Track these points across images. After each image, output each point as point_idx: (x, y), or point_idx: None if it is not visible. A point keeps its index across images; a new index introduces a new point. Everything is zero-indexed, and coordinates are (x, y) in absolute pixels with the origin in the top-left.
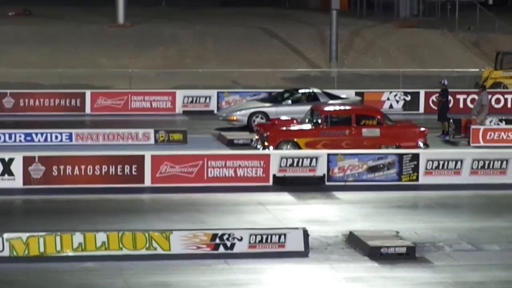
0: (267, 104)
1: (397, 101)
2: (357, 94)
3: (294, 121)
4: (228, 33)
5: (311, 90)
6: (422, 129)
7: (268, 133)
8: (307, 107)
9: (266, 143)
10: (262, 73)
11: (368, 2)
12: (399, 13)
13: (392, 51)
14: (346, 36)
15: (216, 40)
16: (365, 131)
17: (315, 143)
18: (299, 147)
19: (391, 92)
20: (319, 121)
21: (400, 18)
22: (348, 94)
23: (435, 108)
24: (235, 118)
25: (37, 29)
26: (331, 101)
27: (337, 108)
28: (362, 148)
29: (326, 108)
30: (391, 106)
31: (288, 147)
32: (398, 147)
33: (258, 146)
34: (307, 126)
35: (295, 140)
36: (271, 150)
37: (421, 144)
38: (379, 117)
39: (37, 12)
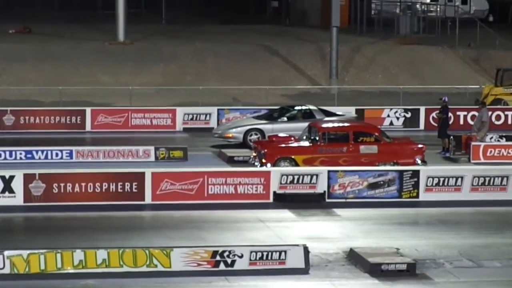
0: (263, 121)
1: (398, 118)
2: (357, 111)
3: (292, 138)
4: (228, 50)
5: (306, 107)
6: (420, 146)
7: (265, 150)
8: (303, 124)
9: (263, 160)
10: (263, 90)
11: (368, 19)
12: (399, 30)
13: (393, 68)
14: (347, 53)
15: (216, 57)
16: (362, 148)
17: (313, 160)
18: (296, 164)
19: (391, 109)
20: (317, 138)
21: (401, 35)
22: (349, 111)
23: (436, 125)
24: (230, 135)
25: (38, 46)
26: (326, 118)
27: (335, 125)
28: (359, 165)
29: (324, 125)
30: (391, 123)
31: (286, 164)
32: (396, 164)
33: (256, 163)
34: (305, 143)
35: (293, 157)
36: (271, 167)
37: (419, 161)
38: (376, 134)
39: (37, 30)
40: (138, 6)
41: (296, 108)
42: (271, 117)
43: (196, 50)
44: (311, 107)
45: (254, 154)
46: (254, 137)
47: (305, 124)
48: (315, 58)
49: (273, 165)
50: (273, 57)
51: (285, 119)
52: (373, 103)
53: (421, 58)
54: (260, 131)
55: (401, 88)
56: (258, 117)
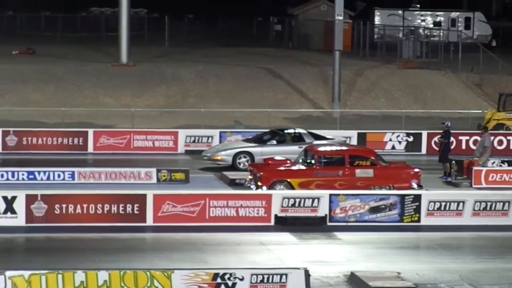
0: (252, 144)
1: (400, 142)
2: (359, 134)
3: (288, 161)
4: (231, 73)
5: (296, 130)
6: (416, 170)
7: (261, 173)
8: (292, 148)
9: (259, 183)
10: (265, 113)
11: (371, 43)
12: (402, 54)
13: (395, 92)
14: (349, 77)
15: (219, 79)
16: (358, 172)
17: (309, 184)
18: (292, 188)
19: (393, 133)
20: (313, 161)
21: (403, 59)
22: (351, 134)
23: (437, 149)
24: (220, 158)
25: (41, 68)
26: (316, 142)
27: (331, 148)
28: (355, 189)
29: (320, 149)
30: (393, 147)
31: (282, 187)
32: (392, 188)
33: (252, 186)
34: (301, 167)
35: (289, 180)
36: (273, 190)
37: (414, 185)
38: (372, 158)
39: (40, 51)
40: (141, 29)
41: (286, 131)
42: (260, 140)
43: (198, 73)
44: (301, 130)
45: (250, 177)
46: (243, 160)
47: (294, 148)
48: (317, 82)
49: (269, 188)
50: (275, 80)
51: (274, 142)
52: (375, 127)
53: (423, 83)
54: (249, 154)
55: (403, 112)
56: (247, 140)
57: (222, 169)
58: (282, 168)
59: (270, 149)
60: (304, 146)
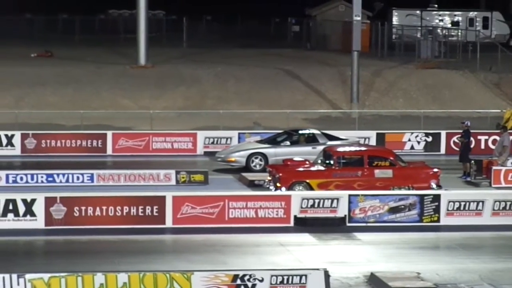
0: (266, 145)
1: (418, 142)
2: (378, 135)
3: (307, 162)
4: (249, 74)
5: (310, 131)
6: (435, 170)
7: (280, 174)
8: (306, 148)
9: (278, 184)
10: (283, 114)
11: (389, 43)
12: (420, 54)
13: (413, 92)
14: (367, 77)
15: (237, 81)
16: (377, 172)
17: (328, 184)
18: (311, 188)
19: (412, 133)
20: (332, 162)
21: (422, 59)
22: (369, 135)
23: (457, 149)
24: (233, 159)
25: (59, 70)
26: (329, 142)
27: (350, 149)
28: (374, 189)
29: (339, 149)
30: (412, 147)
31: (301, 188)
32: (411, 188)
33: (271, 187)
34: (320, 167)
35: (308, 181)
36: (292, 191)
37: (434, 185)
38: (391, 158)
39: (58, 54)
40: (159, 31)
41: (300, 132)
42: (274, 141)
43: (217, 74)
44: (314, 131)
45: (269, 178)
46: (257, 161)
47: (308, 148)
48: (336, 82)
49: (288, 189)
50: (294, 81)
51: (288, 143)
52: (394, 127)
53: (442, 82)
54: (263, 155)
55: (422, 112)
56: (261, 141)
57: (240, 171)
58: (301, 169)
59: (284, 150)
60: (317, 147)
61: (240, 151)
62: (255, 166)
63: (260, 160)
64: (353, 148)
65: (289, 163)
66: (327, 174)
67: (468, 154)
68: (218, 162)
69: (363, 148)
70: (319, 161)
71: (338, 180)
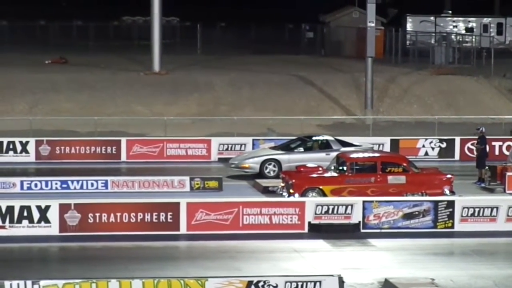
0: (279, 152)
1: (433, 148)
2: (392, 141)
3: (320, 169)
4: (263, 80)
5: (323, 138)
6: (448, 176)
7: (293, 181)
8: (319, 155)
9: (291, 191)
10: (297, 120)
11: (403, 49)
12: (434, 60)
13: (428, 98)
14: (382, 83)
15: (251, 87)
16: (390, 179)
17: (341, 191)
18: (324, 195)
19: (426, 139)
20: (345, 168)
21: (436, 65)
22: (384, 141)
23: (471, 155)
24: (247, 165)
25: (73, 77)
26: (343, 148)
27: (363, 155)
28: (387, 196)
29: (352, 156)
30: (426, 153)
31: (314, 194)
32: (424, 194)
33: (284, 194)
34: (333, 174)
35: (321, 187)
36: (306, 198)
37: (447, 192)
38: (404, 164)
39: (73, 60)
40: (173, 37)
41: (313, 138)
42: (287, 147)
43: (231, 80)
44: (328, 137)
45: (282, 184)
46: (270, 167)
47: (321, 155)
48: (350, 89)
49: (301, 195)
50: (308, 87)
51: (302, 149)
52: (408, 133)
53: (456, 88)
54: (277, 161)
55: (436, 118)
56: (274, 148)
57: (255, 177)
58: (314, 175)
59: (298, 157)
60: (331, 153)
61: (253, 158)
62: (268, 172)
63: (274, 166)
64: (366, 155)
65: (302, 169)
66: (340, 180)
67: (484, 160)
68: (232, 168)
69: (376, 155)
70: (333, 168)
71: (351, 187)
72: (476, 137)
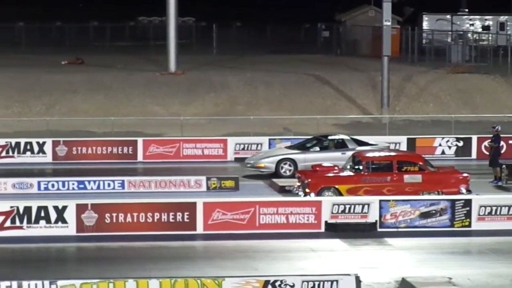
0: (295, 151)
1: (449, 147)
2: (409, 140)
3: (336, 168)
4: (279, 79)
5: (339, 137)
6: (465, 175)
7: (309, 180)
8: (335, 154)
9: (307, 190)
10: (314, 120)
11: (419, 48)
12: (451, 59)
13: (444, 97)
14: (398, 82)
15: (267, 86)
16: (407, 178)
17: (357, 190)
18: (340, 194)
19: (443, 138)
20: (361, 167)
21: (452, 64)
22: (400, 140)
23: (487, 153)
24: (263, 165)
25: (90, 77)
26: (359, 148)
27: (379, 154)
28: (404, 195)
29: (368, 155)
30: (443, 152)
31: (330, 194)
32: (441, 193)
33: (300, 193)
34: (349, 173)
35: (337, 186)
36: (322, 197)
37: (463, 190)
38: (420, 163)
39: (89, 61)
40: (189, 37)
41: (329, 137)
42: (303, 146)
43: (247, 80)
44: (344, 136)
45: (297, 184)
46: (286, 166)
47: (337, 154)
48: (366, 88)
49: (317, 195)
50: (324, 87)
51: (318, 148)
52: (425, 132)
53: (472, 87)
54: (292, 161)
55: (453, 117)
56: (290, 147)
57: (271, 176)
58: (330, 175)
59: (313, 156)
60: (347, 152)
61: (269, 157)
62: (284, 172)
63: (290, 165)
64: (382, 154)
65: (318, 168)
66: (356, 179)
67: (498, 159)
68: (248, 168)
69: (392, 154)
70: (348, 167)
71: (367, 186)
72: (491, 135)
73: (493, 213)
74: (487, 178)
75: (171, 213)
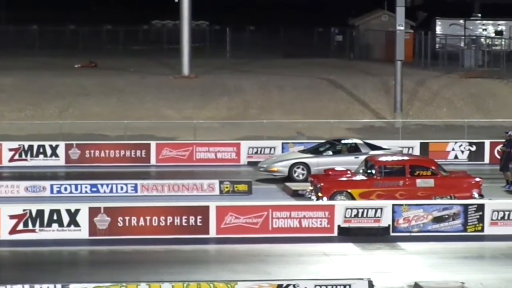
0: (308, 155)
1: (462, 152)
2: (422, 144)
3: (348, 172)
4: (292, 83)
5: (352, 141)
6: (477, 179)
7: (322, 184)
8: (348, 158)
9: (320, 194)
10: (327, 124)
11: (432, 52)
12: (464, 63)
13: (457, 102)
14: (411, 87)
15: (280, 90)
16: (419, 182)
17: (369, 194)
18: (353, 198)
19: (456, 143)
20: (373, 171)
21: (465, 68)
22: (413, 144)
23: (499, 158)
24: (276, 169)
25: (103, 81)
26: (372, 152)
27: (391, 158)
28: (416, 199)
29: (380, 159)
30: (456, 157)
31: (342, 198)
32: (453, 198)
33: (312, 197)
34: (361, 177)
35: (349, 191)
36: (335, 201)
37: (476, 195)
38: (433, 167)
39: (102, 64)
40: (203, 41)
41: (342, 142)
42: (316, 150)
43: (260, 84)
44: (357, 141)
45: (310, 187)
46: (299, 170)
47: (350, 158)
48: (379, 92)
49: (329, 199)
50: (337, 91)
51: (330, 152)
52: (438, 136)
53: (485, 92)
54: (305, 165)
55: (466, 121)
56: (303, 151)
57: (284, 180)
58: (342, 179)
59: (326, 160)
60: (359, 157)
61: (282, 161)
62: (297, 176)
63: (302, 169)
64: (395, 158)
65: (330, 172)
66: (368, 183)
67: (509, 164)
68: (261, 172)
69: (405, 158)
70: (361, 171)
71: (380, 190)
72: (503, 140)
73: (506, 217)
74: (499, 183)
75: (184, 217)
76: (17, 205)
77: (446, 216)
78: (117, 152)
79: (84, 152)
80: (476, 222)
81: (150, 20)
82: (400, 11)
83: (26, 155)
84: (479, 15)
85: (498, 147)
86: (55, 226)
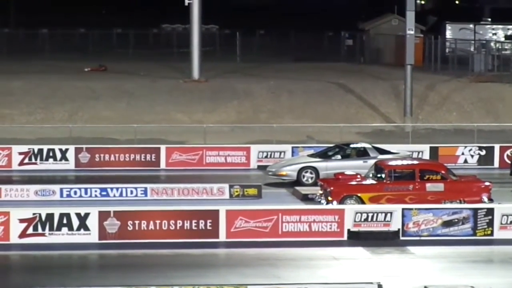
0: (317, 159)
1: (472, 156)
2: (431, 148)
3: (358, 176)
4: (302, 87)
5: (361, 145)
6: (487, 183)
7: (331, 188)
8: (357, 162)
9: (329, 198)
10: (337, 128)
11: (442, 57)
12: (473, 67)
13: (467, 106)
14: (421, 91)
15: (290, 94)
16: (429, 186)
17: (379, 198)
18: (362, 202)
19: (465, 147)
20: (383, 176)
21: (475, 72)
22: (423, 148)
23: (510, 162)
24: (284, 173)
25: (113, 84)
26: (380, 156)
27: (401, 163)
28: (426, 203)
29: (390, 163)
30: (465, 161)
31: (352, 202)
32: (462, 202)
33: (322, 201)
34: (371, 181)
35: (359, 195)
36: (345, 205)
37: (485, 199)
38: (443, 172)
39: (112, 68)
40: (213, 45)
41: (351, 146)
42: (325, 155)
43: (270, 88)
44: (365, 145)
45: (320, 192)
46: (308, 175)
47: (359, 162)
48: (389, 96)
49: (339, 203)
50: (347, 95)
51: (339, 157)
52: (448, 141)
53: (495, 96)
54: (314, 169)
55: (476, 126)
56: (312, 155)
57: (294, 184)
58: (352, 183)
59: (335, 164)
60: (369, 161)
61: (291, 165)
62: (306, 180)
63: (311, 173)
64: (404, 162)
65: (340, 177)
66: (378, 188)
67: None
68: (270, 176)
69: (414, 162)
70: (371, 175)
71: (390, 194)
72: None
73: None
74: (509, 187)
75: (193, 221)
76: (27, 209)
77: (456, 220)
78: (127, 156)
79: (94, 156)
80: (486, 226)
81: (160, 24)
82: (410, 16)
83: (36, 159)
84: (489, 19)
85: (508, 152)
86: (64, 230)
